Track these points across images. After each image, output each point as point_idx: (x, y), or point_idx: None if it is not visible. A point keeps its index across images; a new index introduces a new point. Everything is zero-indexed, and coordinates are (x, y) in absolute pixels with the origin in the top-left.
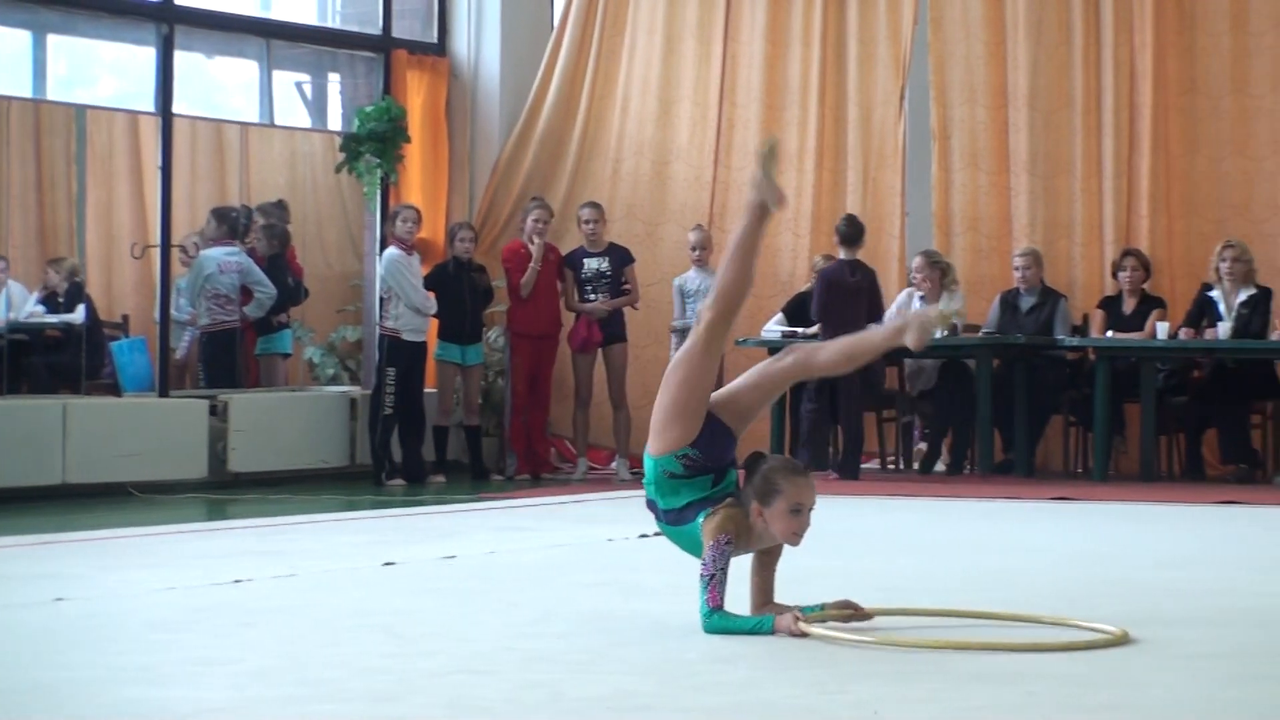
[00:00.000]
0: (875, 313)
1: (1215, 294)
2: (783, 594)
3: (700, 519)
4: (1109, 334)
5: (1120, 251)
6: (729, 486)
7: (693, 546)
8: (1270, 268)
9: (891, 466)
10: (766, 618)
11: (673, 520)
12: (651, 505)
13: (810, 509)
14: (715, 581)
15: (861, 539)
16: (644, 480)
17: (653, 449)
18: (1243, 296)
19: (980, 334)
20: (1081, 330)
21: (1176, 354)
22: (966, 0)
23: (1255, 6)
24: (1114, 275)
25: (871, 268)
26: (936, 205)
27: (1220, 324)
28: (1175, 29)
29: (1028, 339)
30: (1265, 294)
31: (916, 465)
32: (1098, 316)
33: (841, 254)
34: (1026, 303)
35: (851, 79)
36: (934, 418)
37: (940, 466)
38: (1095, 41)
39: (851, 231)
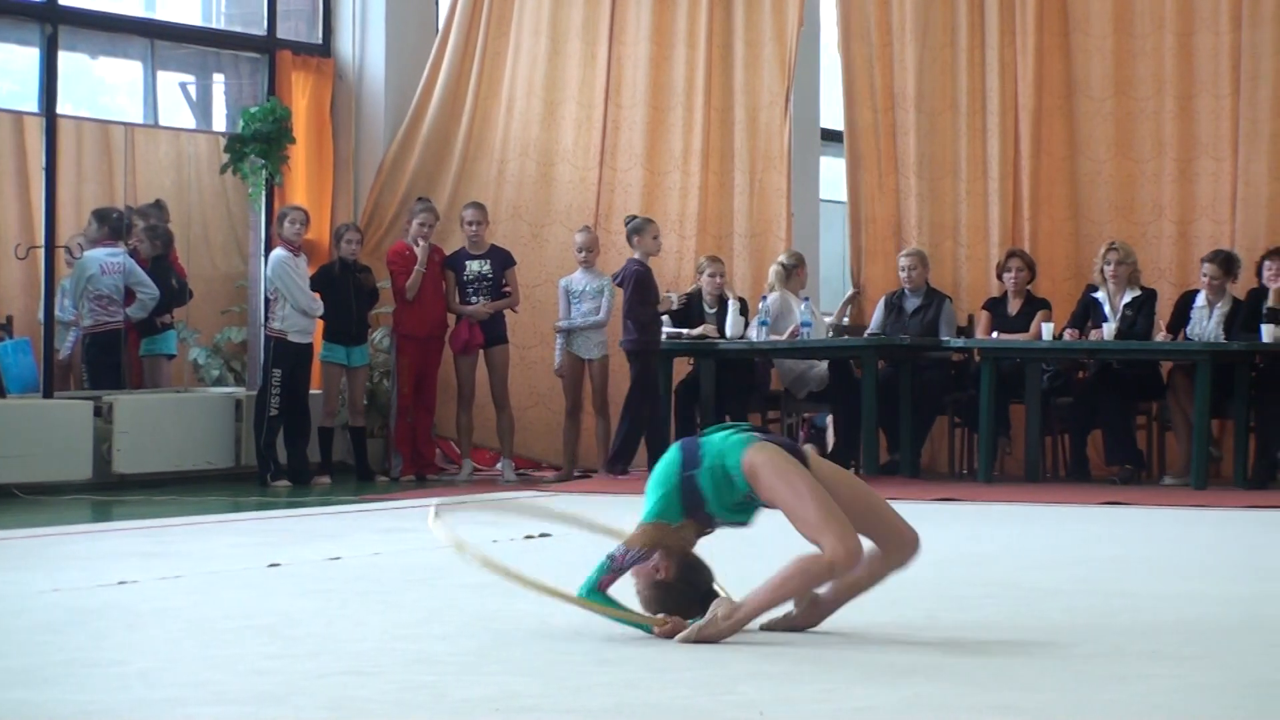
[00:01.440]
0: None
1: (1100, 295)
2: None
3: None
4: (994, 335)
5: (1005, 253)
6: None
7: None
8: (1154, 269)
9: None
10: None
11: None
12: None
13: None
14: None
15: (745, 539)
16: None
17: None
18: (1127, 298)
19: (866, 335)
20: (967, 331)
21: (1061, 355)
22: (863, 5)
23: (1138, 9)
24: (999, 276)
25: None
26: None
27: (1105, 325)
28: (1058, 32)
29: (913, 340)
30: (1149, 295)
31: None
32: (983, 318)
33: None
34: (912, 304)
35: (738, 80)
36: (822, 419)
37: None
38: (980, 45)
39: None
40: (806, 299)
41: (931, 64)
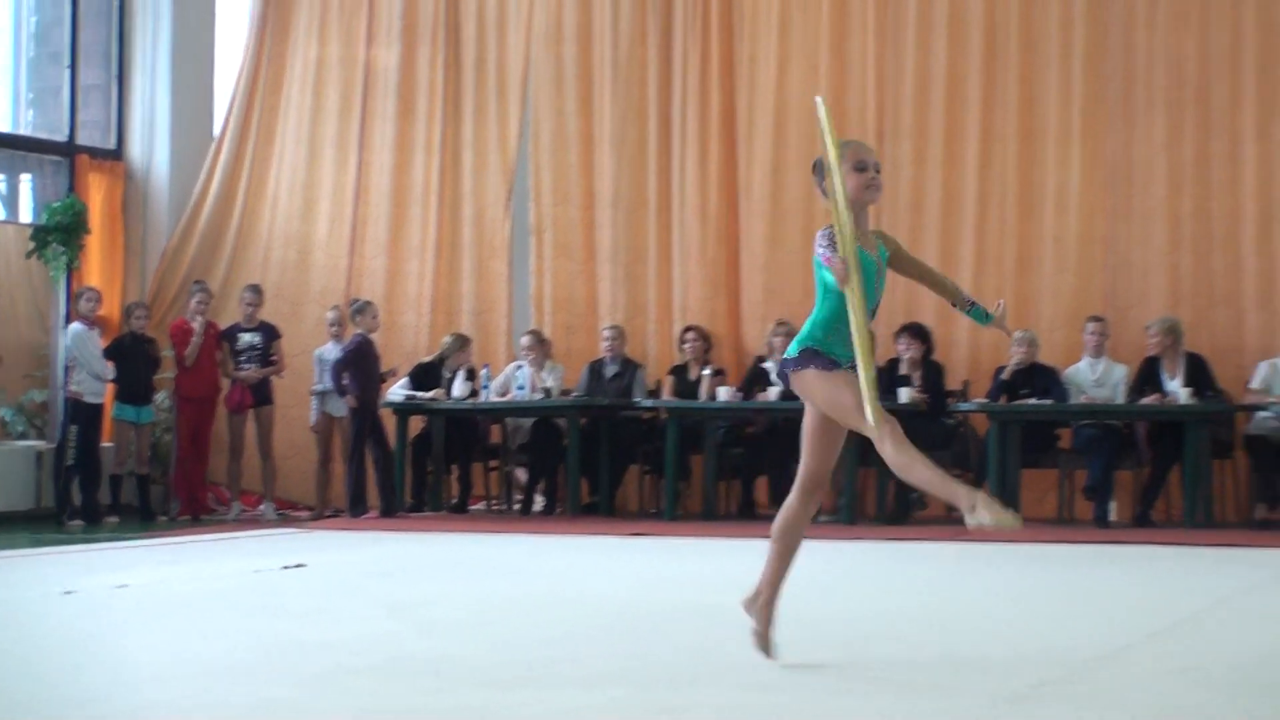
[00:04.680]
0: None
1: (768, 365)
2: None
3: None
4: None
5: (683, 328)
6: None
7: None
8: None
9: (498, 508)
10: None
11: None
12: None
13: (875, 166)
14: (827, 256)
15: (465, 567)
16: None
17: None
18: None
19: (572, 397)
20: (655, 393)
21: (734, 413)
22: (563, 117)
23: (792, 127)
24: (681, 347)
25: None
26: (535, 289)
27: (771, 389)
28: (729, 144)
29: (611, 401)
30: None
31: (519, 506)
32: (669, 382)
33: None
34: (610, 370)
35: (466, 183)
36: (532, 467)
37: (537, 508)
38: (667, 152)
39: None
40: (521, 366)
41: (627, 168)
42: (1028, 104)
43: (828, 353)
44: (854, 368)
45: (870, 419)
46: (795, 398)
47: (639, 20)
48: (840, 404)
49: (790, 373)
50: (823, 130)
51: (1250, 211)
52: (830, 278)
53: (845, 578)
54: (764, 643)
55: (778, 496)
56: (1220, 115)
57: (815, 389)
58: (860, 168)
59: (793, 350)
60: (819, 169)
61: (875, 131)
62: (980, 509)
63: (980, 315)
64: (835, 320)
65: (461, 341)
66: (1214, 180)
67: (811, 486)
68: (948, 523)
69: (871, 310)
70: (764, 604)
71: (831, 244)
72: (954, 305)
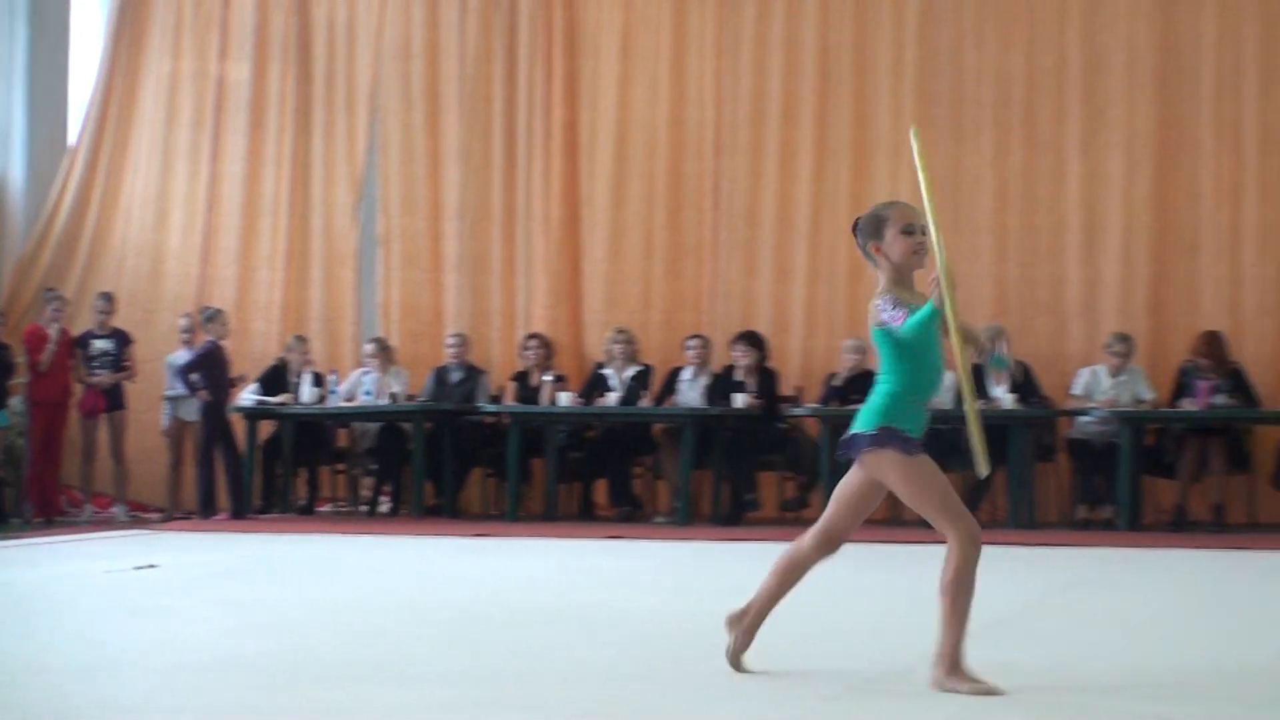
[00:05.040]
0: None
1: (608, 370)
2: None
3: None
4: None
5: (525, 335)
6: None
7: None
8: (650, 349)
9: (345, 510)
10: (929, 302)
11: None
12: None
13: (921, 229)
14: (894, 315)
15: (312, 568)
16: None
17: None
18: (630, 372)
19: (417, 402)
20: (498, 399)
21: (574, 418)
22: (410, 130)
23: (634, 140)
24: (523, 354)
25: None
26: (382, 297)
27: (610, 394)
28: (571, 157)
29: (455, 406)
30: (646, 370)
31: (365, 508)
32: (511, 387)
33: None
34: (455, 376)
35: (316, 194)
36: (378, 470)
37: (383, 509)
38: (512, 166)
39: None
40: (368, 372)
41: (473, 180)
42: (860, 121)
43: (903, 429)
44: (924, 444)
45: (979, 464)
46: (634, 402)
47: (485, 38)
48: (926, 500)
49: (864, 452)
50: (916, 162)
51: (1074, 225)
52: (902, 332)
53: (681, 577)
54: (736, 660)
55: (617, 498)
56: (1045, 132)
57: (895, 476)
58: (908, 231)
59: (866, 425)
60: (860, 229)
61: (713, 147)
62: (957, 679)
63: (998, 361)
64: (908, 392)
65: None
66: (1039, 194)
67: (829, 541)
68: (779, 524)
69: (937, 379)
70: (748, 626)
71: (895, 306)
72: (978, 356)
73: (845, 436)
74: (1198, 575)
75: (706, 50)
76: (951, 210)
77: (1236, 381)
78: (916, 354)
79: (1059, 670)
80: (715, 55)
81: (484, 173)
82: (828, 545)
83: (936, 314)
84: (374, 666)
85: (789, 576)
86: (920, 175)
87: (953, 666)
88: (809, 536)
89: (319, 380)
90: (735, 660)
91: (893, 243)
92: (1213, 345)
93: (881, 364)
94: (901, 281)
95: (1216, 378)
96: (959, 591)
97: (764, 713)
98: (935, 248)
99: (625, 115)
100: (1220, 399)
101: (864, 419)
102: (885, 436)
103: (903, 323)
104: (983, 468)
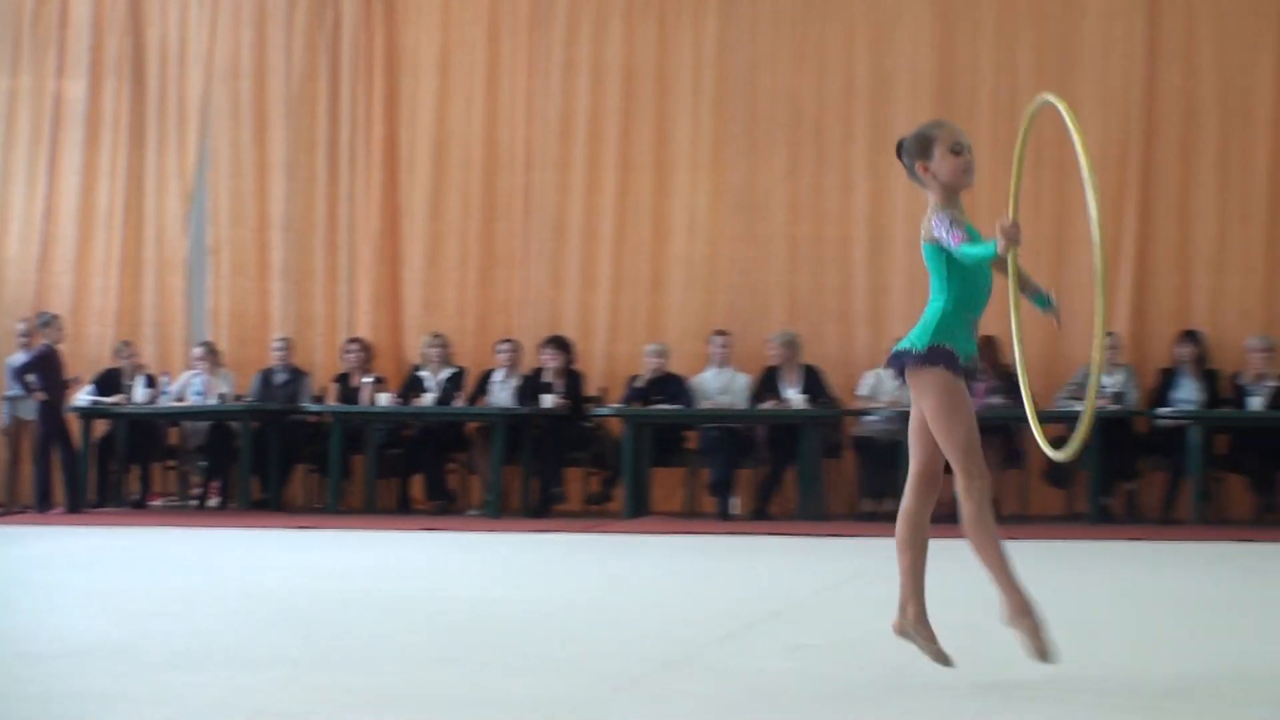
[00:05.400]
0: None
1: (424, 373)
2: None
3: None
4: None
5: (348, 339)
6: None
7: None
8: (461, 352)
9: (176, 504)
10: (992, 241)
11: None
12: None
13: (969, 149)
14: (950, 233)
15: (144, 560)
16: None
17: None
18: (445, 374)
19: (244, 402)
20: (321, 399)
21: (392, 417)
22: (238, 145)
23: (453, 153)
24: (344, 357)
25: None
26: (211, 304)
27: (427, 394)
28: (391, 169)
29: (280, 406)
30: (460, 372)
31: (195, 502)
32: (333, 389)
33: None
34: (280, 378)
35: (149, 205)
36: (208, 467)
37: (212, 503)
38: (335, 180)
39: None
40: (197, 374)
41: (298, 193)
42: (662, 138)
43: (956, 349)
44: (974, 365)
45: (1041, 444)
46: (449, 402)
47: (310, 59)
48: (953, 431)
49: (911, 367)
50: (1071, 129)
51: (860, 237)
52: (959, 254)
53: (488, 569)
54: (939, 656)
55: (432, 492)
56: (834, 150)
57: (937, 395)
58: (956, 150)
59: (918, 343)
60: (906, 150)
61: (524, 162)
62: (1027, 626)
63: (1043, 300)
64: (959, 309)
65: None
66: (828, 208)
67: (927, 483)
68: (584, 516)
69: (985, 296)
70: (916, 619)
71: (952, 224)
72: (1022, 290)
73: (895, 351)
74: (973, 564)
75: (518, 71)
76: (746, 222)
77: (1009, 383)
78: (968, 270)
79: (850, 649)
80: (526, 76)
81: (308, 186)
82: (928, 486)
83: (993, 257)
84: (210, 652)
85: (917, 547)
86: (1076, 140)
87: (1020, 608)
88: (908, 492)
89: (152, 381)
90: (939, 657)
91: (941, 161)
92: (988, 349)
93: (932, 281)
94: (950, 200)
95: (991, 379)
96: (990, 541)
97: (562, 691)
98: (1093, 223)
99: (442, 132)
100: (995, 399)
101: (916, 335)
102: (935, 354)
103: (960, 245)
104: (1062, 453)
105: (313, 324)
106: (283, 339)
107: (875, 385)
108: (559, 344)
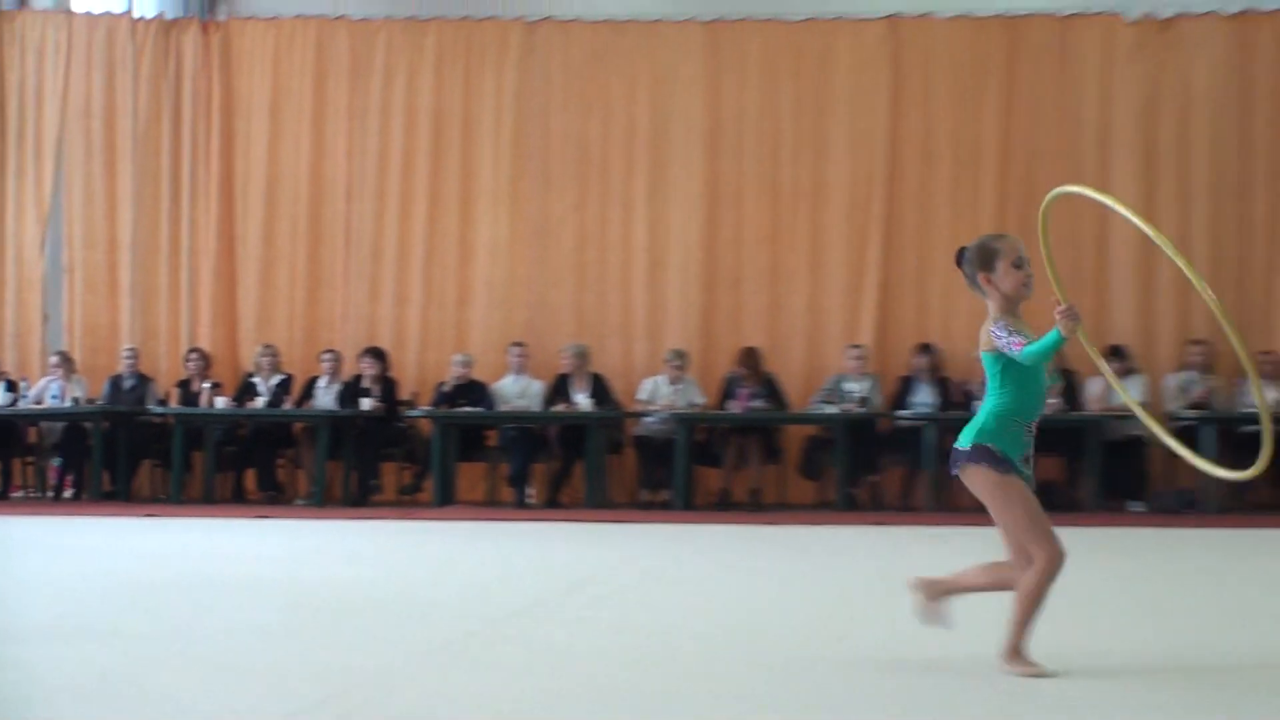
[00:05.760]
0: None
1: (257, 379)
2: None
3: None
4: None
5: (189, 349)
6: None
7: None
8: (289, 360)
9: (34, 496)
10: (1053, 331)
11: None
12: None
13: (1028, 261)
14: (1011, 341)
15: (3, 546)
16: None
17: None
18: (275, 380)
19: (96, 405)
20: (165, 402)
21: (228, 418)
22: (90, 177)
23: (283, 187)
24: (186, 365)
25: None
26: (66, 318)
27: (259, 398)
28: (228, 203)
29: (128, 408)
30: (288, 379)
31: (52, 494)
32: (175, 393)
33: None
34: (128, 384)
35: (9, 229)
36: (63, 462)
37: (67, 495)
38: (178, 208)
39: None
40: (54, 380)
41: (145, 220)
42: (466, 174)
43: (1000, 449)
44: (1022, 470)
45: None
46: (278, 405)
47: (155, 102)
48: (1013, 519)
49: (962, 464)
50: (1120, 209)
51: (640, 262)
52: (1022, 357)
53: (314, 552)
54: (1035, 674)
55: (264, 485)
56: (617, 186)
57: (985, 491)
58: (1018, 265)
59: (964, 441)
60: (969, 260)
61: (345, 195)
62: (1018, 662)
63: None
64: (1011, 414)
65: None
66: (611, 237)
67: (1024, 559)
68: (398, 505)
69: (1039, 405)
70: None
71: (1011, 333)
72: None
73: (953, 451)
74: (737, 546)
75: (340, 115)
76: (540, 248)
77: (770, 389)
78: (1024, 378)
79: (630, 620)
80: (347, 119)
81: (154, 214)
82: (1024, 561)
83: (1061, 344)
84: (70, 629)
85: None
86: (1119, 209)
87: (1013, 652)
88: (1016, 569)
89: (12, 386)
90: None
91: (1005, 275)
92: (751, 359)
93: (989, 385)
94: (1010, 310)
95: (754, 386)
96: (1030, 602)
97: (369, 661)
98: (1191, 277)
99: (272, 168)
100: (757, 403)
101: (966, 435)
102: (979, 454)
103: (1022, 349)
104: (1253, 469)
105: (157, 335)
106: (131, 349)
107: (653, 390)
108: (376, 354)
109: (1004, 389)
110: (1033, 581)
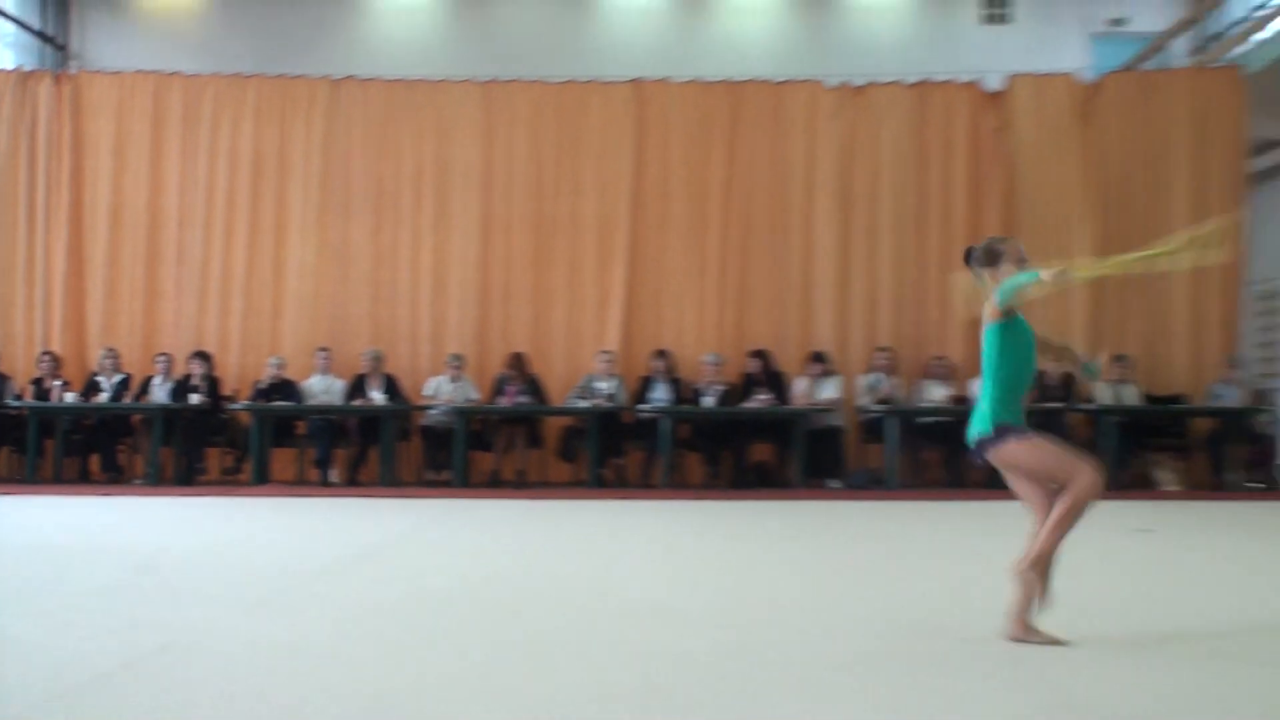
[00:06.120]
0: None
1: (101, 378)
2: None
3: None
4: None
5: (42, 351)
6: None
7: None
8: (129, 362)
9: None
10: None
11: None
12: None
13: (1029, 261)
14: (1002, 288)
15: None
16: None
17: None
18: (117, 379)
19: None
20: (21, 397)
21: (76, 412)
22: None
23: (123, 217)
24: (39, 365)
25: None
26: None
27: (102, 395)
28: (77, 229)
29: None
30: (127, 378)
31: None
32: (30, 389)
33: None
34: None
35: None
36: None
37: None
38: (33, 233)
39: None
40: None
41: (2, 243)
42: (281, 206)
43: (1012, 421)
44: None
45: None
46: (120, 399)
47: (14, 140)
48: (1044, 461)
49: (992, 449)
50: (1140, 257)
51: (426, 281)
52: (1010, 283)
53: (149, 523)
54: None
55: (106, 467)
56: (407, 217)
57: (1019, 457)
58: (1020, 263)
59: (985, 430)
60: (976, 259)
61: (178, 223)
62: (1027, 623)
63: (1090, 370)
64: (1010, 385)
65: None
66: (401, 259)
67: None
68: (221, 484)
69: (1031, 377)
70: (1022, 618)
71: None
72: (1069, 363)
73: (973, 441)
74: (507, 518)
75: (175, 155)
76: (341, 268)
77: (534, 387)
78: (1019, 349)
79: (415, 578)
80: (180, 158)
81: (11, 237)
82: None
83: (1033, 281)
84: None
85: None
86: (1151, 254)
87: (1036, 561)
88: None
89: None
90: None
91: (1008, 273)
92: (518, 362)
93: (987, 365)
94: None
95: (521, 384)
96: (1068, 518)
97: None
98: (1148, 253)
99: (116, 199)
100: (523, 399)
101: (983, 422)
102: (1002, 432)
103: (1007, 280)
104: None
105: (15, 340)
106: (49, 352)
107: (437, 387)
108: (203, 356)
109: (1004, 360)
110: (1071, 500)
